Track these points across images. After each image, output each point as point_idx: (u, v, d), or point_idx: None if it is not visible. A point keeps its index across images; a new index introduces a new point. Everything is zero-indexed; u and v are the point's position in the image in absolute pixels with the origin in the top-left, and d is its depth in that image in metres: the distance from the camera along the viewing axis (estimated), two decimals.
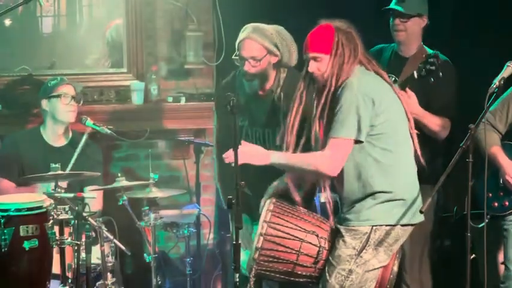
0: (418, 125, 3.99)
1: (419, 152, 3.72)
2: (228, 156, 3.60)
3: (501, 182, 4.22)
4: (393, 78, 4.16)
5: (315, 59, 3.63)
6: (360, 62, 3.66)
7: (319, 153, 3.61)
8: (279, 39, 4.04)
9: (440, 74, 4.06)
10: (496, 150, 4.21)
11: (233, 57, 4.11)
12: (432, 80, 4.07)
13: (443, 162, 4.36)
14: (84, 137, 4.57)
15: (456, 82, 4.43)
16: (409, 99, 4.07)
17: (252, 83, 4.10)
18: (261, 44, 4.02)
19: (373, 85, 3.64)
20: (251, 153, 3.69)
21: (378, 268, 3.66)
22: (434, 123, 4.29)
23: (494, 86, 3.83)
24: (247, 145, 3.76)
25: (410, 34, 4.44)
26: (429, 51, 4.30)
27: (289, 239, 3.68)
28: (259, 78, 4.08)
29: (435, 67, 4.04)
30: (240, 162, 3.50)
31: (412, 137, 3.73)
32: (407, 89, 4.13)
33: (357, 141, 3.58)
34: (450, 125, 4.34)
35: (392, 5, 4.43)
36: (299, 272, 3.71)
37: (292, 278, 3.76)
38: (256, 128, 4.20)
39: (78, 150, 4.52)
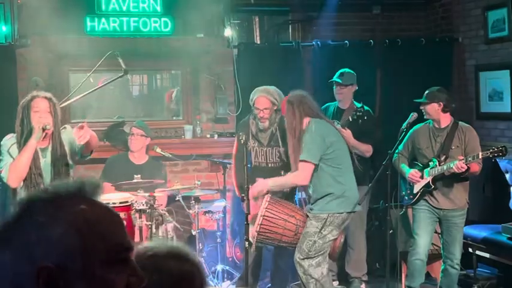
0: (354, 150, 4.00)
1: (357, 163, 3.75)
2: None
3: (408, 185, 4.20)
4: (336, 122, 4.19)
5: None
6: (311, 115, 3.65)
7: (295, 174, 3.63)
8: (277, 95, 4.06)
9: (365, 117, 4.10)
10: (404, 168, 4.19)
11: (252, 108, 4.14)
12: (360, 121, 4.10)
13: (372, 172, 4.40)
14: None
15: (375, 123, 4.44)
16: (347, 134, 4.07)
17: (265, 123, 4.09)
18: (269, 99, 4.03)
19: (323, 128, 3.65)
20: (258, 187, 3.74)
21: (331, 240, 3.66)
22: (364, 148, 4.29)
23: (404, 128, 3.83)
24: (256, 183, 3.80)
25: (345, 96, 4.44)
26: (357, 104, 4.34)
27: (278, 219, 3.68)
28: (269, 120, 4.09)
29: (361, 114, 4.10)
30: (255, 191, 3.71)
31: (352, 157, 3.73)
32: (346, 128, 4.15)
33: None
34: (372, 149, 4.35)
35: (335, 78, 4.46)
36: (284, 240, 3.71)
37: (280, 244, 3.76)
38: (262, 148, 4.19)
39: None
